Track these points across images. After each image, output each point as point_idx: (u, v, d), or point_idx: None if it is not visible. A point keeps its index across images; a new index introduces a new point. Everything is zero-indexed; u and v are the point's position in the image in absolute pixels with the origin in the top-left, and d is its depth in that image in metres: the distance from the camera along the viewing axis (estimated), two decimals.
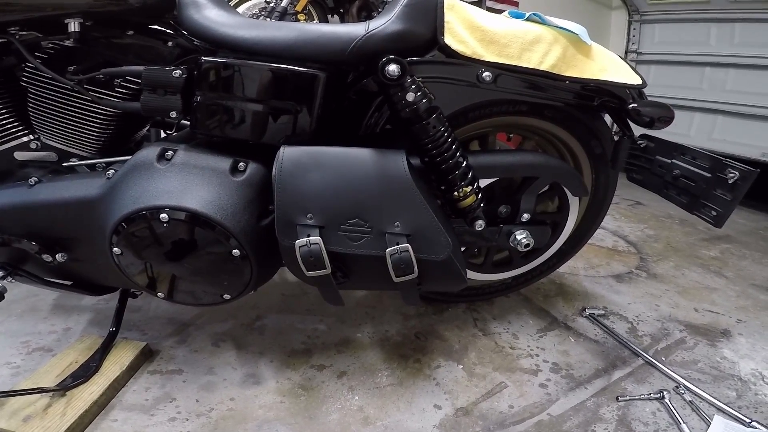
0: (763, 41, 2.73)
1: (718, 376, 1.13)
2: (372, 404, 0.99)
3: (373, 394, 1.02)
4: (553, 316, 1.34)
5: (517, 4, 3.14)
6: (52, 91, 0.90)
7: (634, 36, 3.43)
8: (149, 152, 0.84)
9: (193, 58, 0.90)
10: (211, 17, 0.86)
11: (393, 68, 0.78)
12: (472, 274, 1.17)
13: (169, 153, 0.84)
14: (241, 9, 2.05)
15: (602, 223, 1.27)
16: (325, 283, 0.83)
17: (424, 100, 0.81)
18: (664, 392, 1.04)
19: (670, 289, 1.55)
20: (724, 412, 1.00)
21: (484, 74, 0.88)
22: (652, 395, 1.04)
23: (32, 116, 0.92)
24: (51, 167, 0.95)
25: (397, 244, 0.78)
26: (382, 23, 0.83)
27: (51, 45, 0.88)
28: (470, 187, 0.88)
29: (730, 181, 0.89)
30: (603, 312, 1.36)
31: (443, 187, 0.89)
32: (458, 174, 0.86)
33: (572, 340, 1.23)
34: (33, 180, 0.88)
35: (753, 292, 1.57)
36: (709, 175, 0.93)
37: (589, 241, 1.30)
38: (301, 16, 2.05)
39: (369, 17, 2.20)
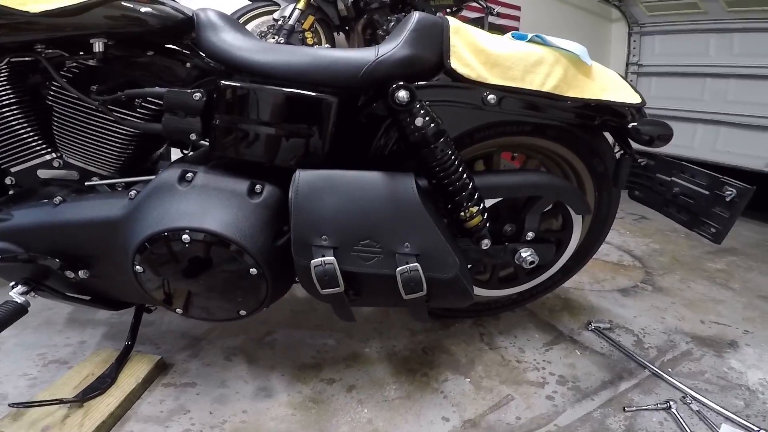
0: (763, 51, 2.73)
1: (725, 386, 1.13)
2: (381, 417, 1.01)
3: (381, 407, 1.04)
4: (559, 330, 1.35)
5: (518, 19, 3.20)
6: (76, 111, 0.93)
7: (634, 48, 3.46)
8: (170, 174, 0.88)
9: (211, 80, 0.94)
10: (229, 40, 0.90)
11: (402, 95, 0.82)
12: (478, 290, 1.19)
13: (189, 175, 0.88)
14: (249, 27, 2.10)
15: (607, 238, 1.29)
16: (338, 301, 0.85)
17: (432, 125, 0.84)
18: (671, 402, 1.04)
19: (676, 301, 1.56)
20: (731, 421, 1.01)
21: (489, 97, 0.92)
22: (659, 405, 1.05)
23: (56, 134, 0.95)
24: (73, 186, 0.98)
25: (407, 263, 0.81)
26: (391, 49, 0.87)
27: (75, 64, 0.91)
28: (476, 208, 0.91)
29: (727, 199, 0.91)
30: (609, 325, 1.37)
31: (450, 208, 0.92)
32: (465, 195, 0.89)
33: (578, 353, 1.24)
34: (58, 199, 0.91)
35: (760, 303, 1.58)
36: (707, 192, 0.96)
37: (594, 256, 1.31)
38: (308, 34, 2.10)
39: (374, 35, 2.25)
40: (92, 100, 0.89)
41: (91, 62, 0.90)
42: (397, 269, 0.81)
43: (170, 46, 0.99)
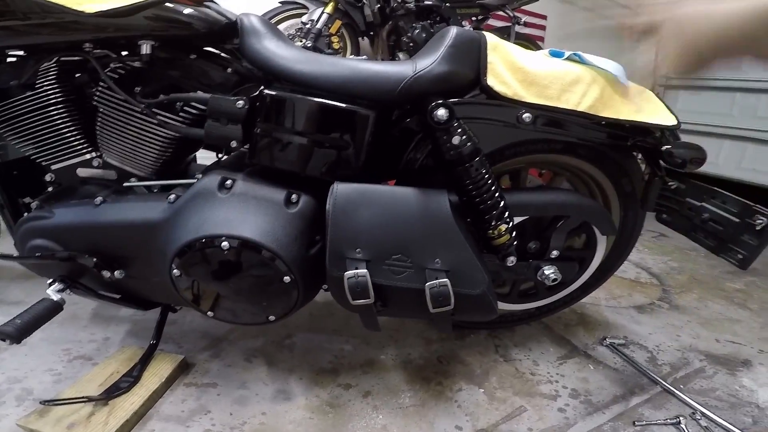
0: None
1: (735, 403, 1.14)
2: (395, 424, 1.02)
3: (396, 414, 1.05)
4: (574, 344, 1.36)
5: (544, 28, 3.18)
6: (121, 112, 0.94)
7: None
8: (210, 181, 0.89)
9: (251, 87, 0.95)
10: (272, 48, 0.92)
11: (442, 113, 0.83)
12: (498, 304, 1.20)
13: (229, 182, 0.89)
14: (279, 29, 2.13)
15: None
16: (367, 311, 0.87)
17: (469, 144, 0.85)
18: (681, 418, 1.05)
19: (692, 320, 1.56)
20: None
21: (524, 115, 0.92)
22: (668, 420, 1.06)
23: (98, 134, 0.97)
24: (112, 186, 1.00)
25: (437, 278, 0.82)
26: (429, 64, 0.88)
27: (120, 65, 0.92)
28: (505, 226, 0.92)
29: (758, 227, 0.91)
30: (623, 341, 1.38)
31: (479, 225, 0.93)
32: (495, 214, 0.90)
33: (591, 368, 1.25)
34: (98, 200, 0.94)
35: None
36: (738, 220, 0.95)
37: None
38: (335, 39, 2.12)
39: (398, 41, 2.27)
40: (138, 102, 0.91)
41: (136, 63, 0.91)
42: (427, 284, 0.82)
43: (212, 50, 1.00)
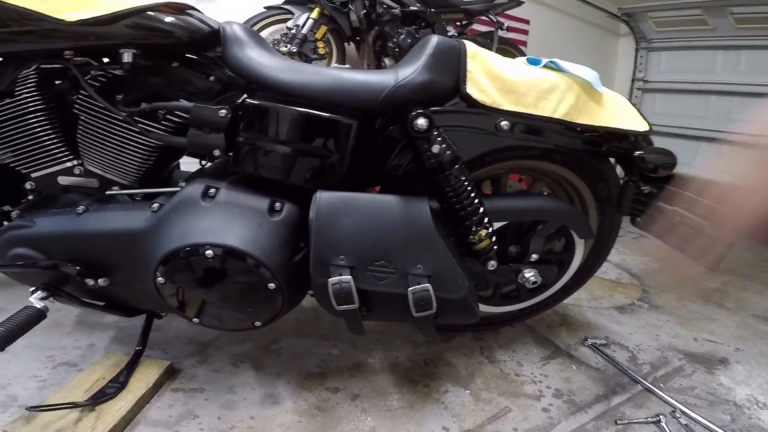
0: None
1: (713, 401, 1.17)
2: (384, 426, 1.03)
3: (384, 416, 1.06)
4: (557, 345, 1.39)
5: (527, 33, 3.23)
6: (102, 120, 0.94)
7: (641, 64, 3.49)
8: (194, 189, 0.90)
9: (235, 95, 0.95)
10: (254, 57, 0.92)
11: (421, 122, 0.85)
12: (481, 306, 1.21)
13: (212, 191, 0.90)
14: (263, 34, 2.13)
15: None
16: (352, 316, 0.89)
17: (448, 152, 0.87)
18: (661, 416, 1.08)
19: (671, 319, 1.60)
20: None
21: (502, 123, 0.94)
22: (649, 419, 1.08)
23: (79, 142, 0.96)
24: (94, 195, 1.00)
25: (419, 284, 0.84)
26: (410, 73, 0.89)
27: (101, 73, 0.92)
28: (485, 231, 0.94)
29: None
30: (605, 341, 1.41)
31: (460, 230, 0.95)
32: (475, 220, 0.92)
33: (574, 368, 1.28)
34: (81, 208, 0.93)
35: (752, 322, 1.62)
36: (707, 223, 0.99)
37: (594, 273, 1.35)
38: (320, 44, 2.13)
39: (384, 46, 2.28)
40: (119, 110, 0.90)
41: (118, 72, 0.90)
42: (409, 289, 0.84)
43: (194, 57, 1.00)
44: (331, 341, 1.33)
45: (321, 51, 2.12)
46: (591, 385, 1.21)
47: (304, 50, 2.05)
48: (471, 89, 0.90)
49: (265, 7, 2.10)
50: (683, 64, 3.24)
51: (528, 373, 1.25)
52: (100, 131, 0.95)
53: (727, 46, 2.96)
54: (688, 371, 1.30)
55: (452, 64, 0.91)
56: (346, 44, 2.28)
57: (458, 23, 2.56)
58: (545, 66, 0.99)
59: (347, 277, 0.83)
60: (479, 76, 0.91)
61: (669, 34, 3.27)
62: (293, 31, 2.04)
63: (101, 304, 1.05)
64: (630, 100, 3.50)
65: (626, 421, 1.08)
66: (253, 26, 2.06)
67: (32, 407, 0.94)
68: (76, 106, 0.94)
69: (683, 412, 1.11)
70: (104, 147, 0.96)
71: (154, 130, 0.94)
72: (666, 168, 0.99)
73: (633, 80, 3.46)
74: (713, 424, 1.07)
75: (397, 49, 2.24)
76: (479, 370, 1.24)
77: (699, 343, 1.45)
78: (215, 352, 1.24)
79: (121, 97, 0.92)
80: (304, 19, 2.05)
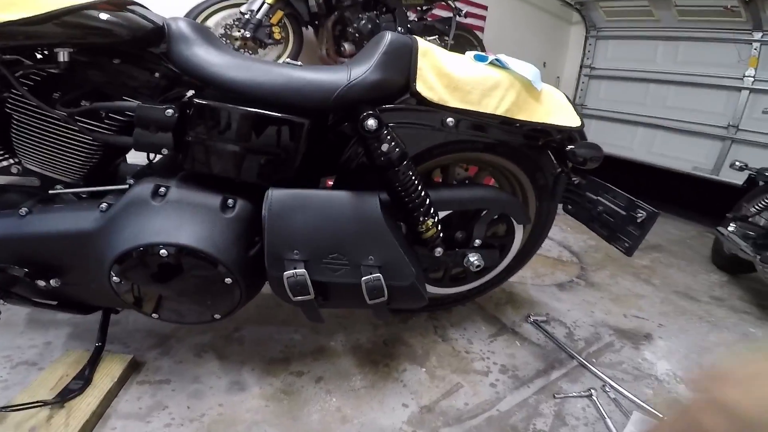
0: (704, 60, 2.98)
1: (638, 375, 1.30)
2: (348, 405, 1.09)
3: (348, 396, 1.12)
4: (503, 322, 1.50)
5: (484, 18, 3.29)
6: (38, 119, 0.89)
7: (589, 51, 3.65)
8: (143, 189, 0.89)
9: (182, 94, 0.93)
10: (201, 55, 0.89)
11: (371, 123, 0.89)
12: (432, 288, 1.30)
13: (162, 190, 0.89)
14: (213, 20, 2.05)
15: (550, 234, 1.43)
16: (309, 306, 0.93)
17: (397, 149, 0.92)
18: (593, 390, 1.19)
19: (604, 296, 1.76)
20: (641, 408, 1.16)
21: (448, 120, 1.00)
22: (582, 393, 1.19)
23: (15, 142, 0.91)
24: (36, 194, 0.96)
25: (371, 274, 0.90)
26: (363, 72, 0.91)
27: (35, 71, 0.86)
28: (432, 221, 1.01)
29: (639, 220, 1.06)
30: (545, 318, 1.54)
31: (409, 221, 1.01)
32: (422, 211, 0.98)
33: (518, 344, 1.39)
34: (24, 210, 0.90)
35: (674, 298, 1.80)
36: (624, 213, 1.10)
37: (538, 252, 1.44)
38: (276, 29, 2.08)
39: (343, 31, 2.26)
40: (58, 110, 0.86)
41: (53, 70, 0.86)
42: (362, 279, 0.90)
43: (138, 54, 0.95)
44: (292, 327, 1.37)
45: (277, 36, 2.08)
46: (533, 361, 1.31)
47: (258, 36, 2.00)
48: (420, 86, 0.94)
49: None
50: (627, 52, 3.42)
51: (477, 350, 1.34)
52: (37, 131, 0.90)
53: (668, 37, 3.15)
54: (617, 347, 1.43)
55: (404, 62, 0.93)
56: (304, 29, 2.24)
57: (419, 8, 2.58)
58: (490, 63, 1.03)
59: (301, 270, 0.87)
60: (428, 73, 0.95)
61: (617, 23, 3.43)
62: (247, 16, 1.98)
63: (54, 303, 1.03)
64: (578, 85, 3.70)
65: (563, 395, 1.18)
66: (203, 11, 1.99)
67: (1, 408, 0.93)
68: (8, 104, 0.88)
69: (612, 386, 1.22)
70: (42, 146, 0.91)
71: (98, 130, 0.91)
72: (593, 161, 1.08)
73: (581, 66, 3.61)
74: (637, 398, 1.19)
75: (357, 35, 2.22)
76: (434, 349, 1.33)
77: (628, 320, 1.60)
78: (177, 344, 1.26)
79: (59, 95, 0.87)
80: (258, 4, 1.98)
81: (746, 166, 2.06)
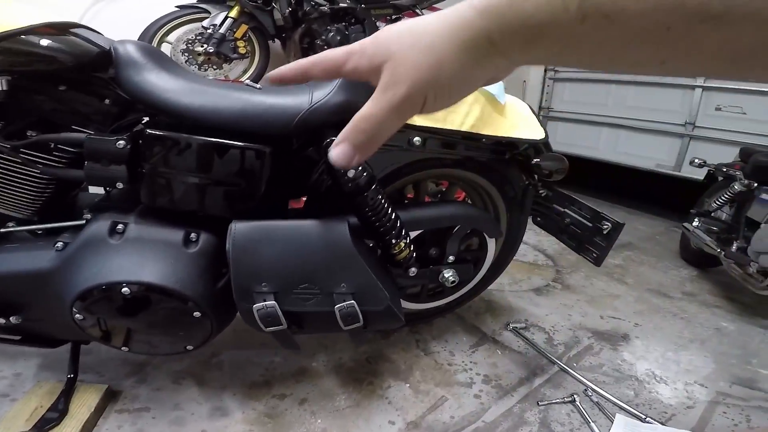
0: None
1: (619, 377, 1.32)
2: (334, 425, 1.08)
3: (334, 416, 1.11)
4: (483, 331, 1.51)
5: None
6: None
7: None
8: (100, 227, 0.86)
9: (138, 120, 0.89)
10: (152, 80, 0.84)
11: None
12: (411, 305, 1.30)
13: (120, 227, 0.86)
14: (175, 35, 2.00)
15: (525, 238, 1.43)
16: (282, 335, 0.92)
17: (365, 174, 0.90)
18: (575, 396, 1.20)
19: (580, 298, 1.78)
20: (624, 410, 1.17)
21: (415, 139, 1.00)
22: (565, 399, 1.20)
23: None
24: None
25: (344, 301, 0.88)
26: (325, 95, 0.89)
27: None
28: (404, 242, 1.00)
29: (604, 231, 1.09)
30: (524, 325, 1.55)
31: (381, 245, 1.00)
32: (393, 233, 0.98)
33: (499, 353, 1.40)
34: None
35: (648, 296, 1.84)
36: (590, 224, 1.13)
37: (514, 258, 1.45)
38: (241, 43, 2.05)
39: (312, 44, 2.24)
40: (0, 144, 0.81)
41: None
42: (336, 307, 0.88)
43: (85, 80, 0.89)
44: (272, 349, 1.34)
45: (242, 50, 2.05)
46: (515, 369, 1.32)
47: (222, 50, 1.97)
48: None
49: (177, 6, 1.97)
50: None
51: (459, 362, 1.34)
52: None
53: None
54: (596, 349, 1.44)
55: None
56: (270, 42, 2.22)
57: (388, 17, 2.58)
58: None
59: (271, 303, 0.85)
60: None
61: None
62: (209, 31, 1.95)
63: (18, 338, 0.99)
64: (543, 89, 3.77)
65: (546, 402, 1.18)
66: (164, 25, 1.94)
67: None
68: None
69: (594, 391, 1.23)
70: None
71: (46, 164, 0.86)
72: (558, 173, 1.10)
73: (546, 70, 3.68)
74: (620, 400, 1.20)
75: (325, 47, 2.22)
76: (417, 363, 1.32)
77: (605, 321, 1.62)
78: (153, 371, 1.22)
79: (1, 126, 0.82)
80: (221, 18, 1.96)
81: (705, 162, 2.13)
